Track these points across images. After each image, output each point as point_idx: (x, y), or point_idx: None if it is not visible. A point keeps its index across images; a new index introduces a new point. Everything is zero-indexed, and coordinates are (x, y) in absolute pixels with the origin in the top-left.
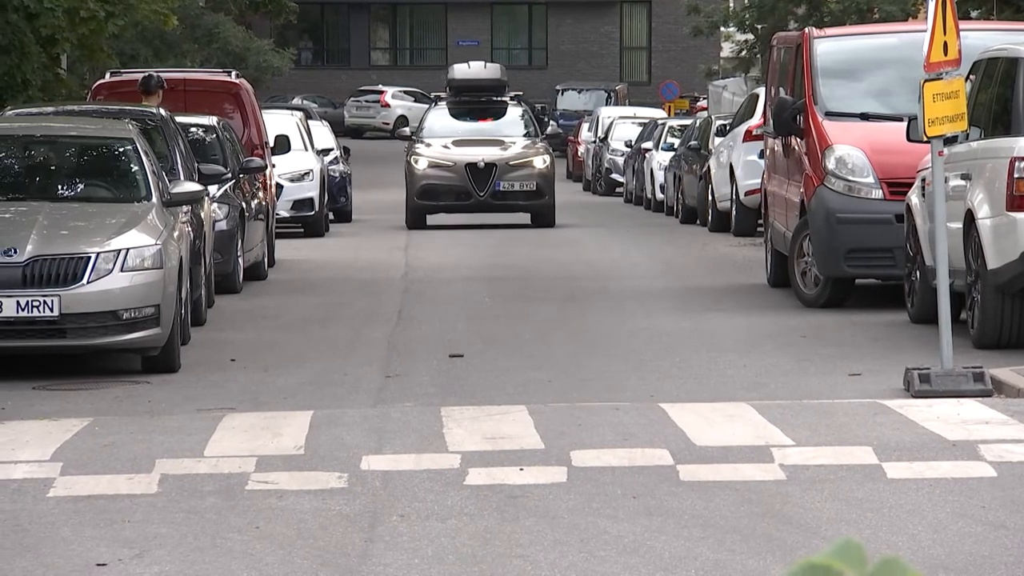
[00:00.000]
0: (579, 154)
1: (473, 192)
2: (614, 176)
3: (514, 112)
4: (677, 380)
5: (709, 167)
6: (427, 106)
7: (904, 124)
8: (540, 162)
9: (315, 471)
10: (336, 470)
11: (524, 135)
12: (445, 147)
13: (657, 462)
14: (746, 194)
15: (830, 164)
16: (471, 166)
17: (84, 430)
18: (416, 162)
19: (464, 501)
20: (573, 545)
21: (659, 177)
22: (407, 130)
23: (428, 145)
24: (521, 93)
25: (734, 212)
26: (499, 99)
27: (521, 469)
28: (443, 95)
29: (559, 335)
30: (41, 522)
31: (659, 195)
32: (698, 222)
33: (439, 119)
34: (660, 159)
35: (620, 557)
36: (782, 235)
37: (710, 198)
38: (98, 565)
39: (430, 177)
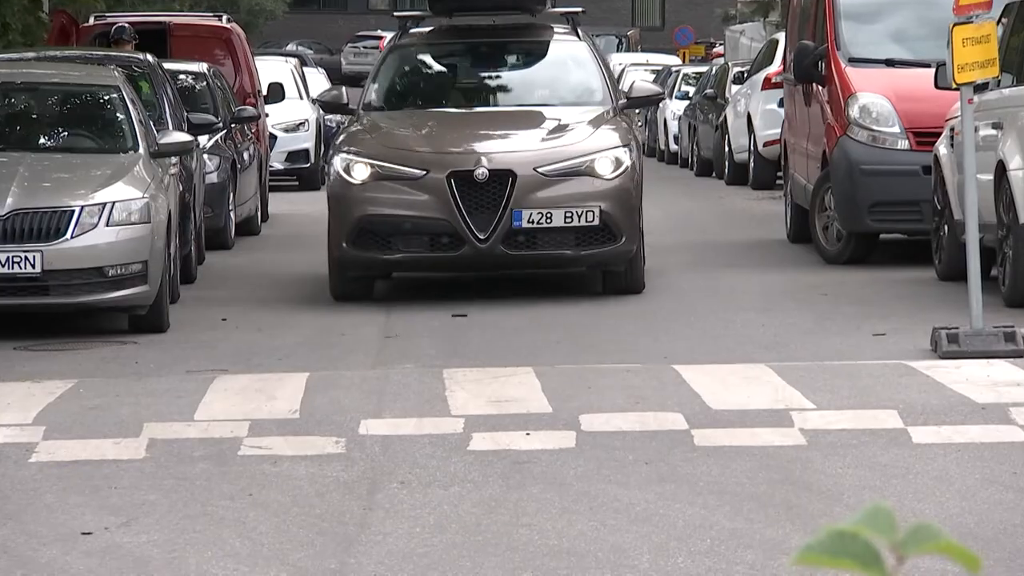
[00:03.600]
0: None
1: (464, 233)
2: None
3: (565, 49)
4: (691, 340)
5: (726, 117)
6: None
7: (932, 71)
8: (609, 164)
9: (311, 436)
10: (333, 435)
11: (584, 102)
12: (414, 130)
13: (670, 426)
14: (765, 145)
15: (853, 113)
16: (459, 176)
17: (68, 392)
18: (349, 169)
19: (468, 467)
20: (582, 513)
21: (673, 127)
22: (339, 93)
23: (378, 128)
24: (581, 10)
25: (752, 164)
26: (531, 24)
27: (527, 434)
28: (419, 15)
29: (567, 294)
30: (23, 489)
31: (673, 146)
32: (714, 174)
33: (406, 67)
34: (674, 108)
35: (632, 526)
36: (802, 188)
37: (727, 149)
38: (83, 534)
39: (376, 202)
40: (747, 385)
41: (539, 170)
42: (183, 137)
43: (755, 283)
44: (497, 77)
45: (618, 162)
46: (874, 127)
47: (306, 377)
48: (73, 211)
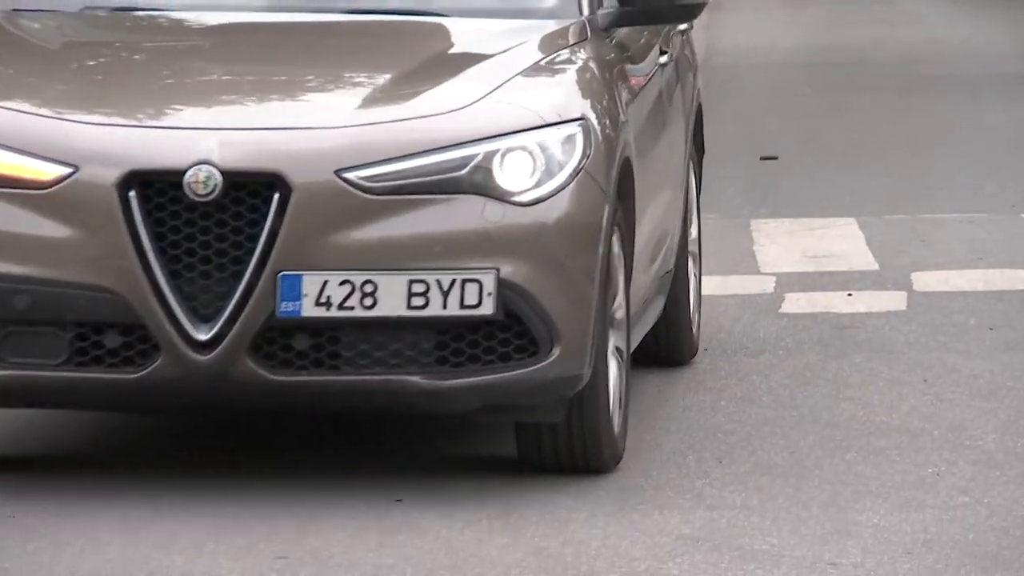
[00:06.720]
0: None
1: (161, 327)
2: None
3: None
4: None
5: None
6: None
7: None
8: (527, 161)
9: None
10: None
11: (524, 10)
12: (95, 65)
13: (1020, 286)
14: None
15: None
16: (151, 186)
17: None
18: None
19: (780, 332)
20: (915, 386)
21: None
22: None
23: (12, 59)
24: None
25: None
26: None
27: (850, 294)
28: None
29: (896, 132)
30: None
31: None
32: None
33: None
34: None
35: (973, 401)
36: None
37: None
38: None
39: None
40: None
41: (348, 176)
42: None
43: None
44: None
45: (549, 158)
46: None
47: None
48: None
